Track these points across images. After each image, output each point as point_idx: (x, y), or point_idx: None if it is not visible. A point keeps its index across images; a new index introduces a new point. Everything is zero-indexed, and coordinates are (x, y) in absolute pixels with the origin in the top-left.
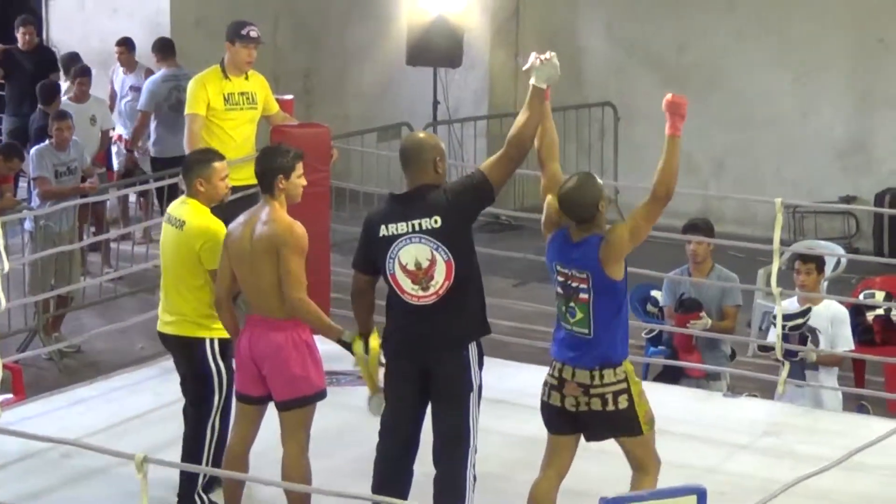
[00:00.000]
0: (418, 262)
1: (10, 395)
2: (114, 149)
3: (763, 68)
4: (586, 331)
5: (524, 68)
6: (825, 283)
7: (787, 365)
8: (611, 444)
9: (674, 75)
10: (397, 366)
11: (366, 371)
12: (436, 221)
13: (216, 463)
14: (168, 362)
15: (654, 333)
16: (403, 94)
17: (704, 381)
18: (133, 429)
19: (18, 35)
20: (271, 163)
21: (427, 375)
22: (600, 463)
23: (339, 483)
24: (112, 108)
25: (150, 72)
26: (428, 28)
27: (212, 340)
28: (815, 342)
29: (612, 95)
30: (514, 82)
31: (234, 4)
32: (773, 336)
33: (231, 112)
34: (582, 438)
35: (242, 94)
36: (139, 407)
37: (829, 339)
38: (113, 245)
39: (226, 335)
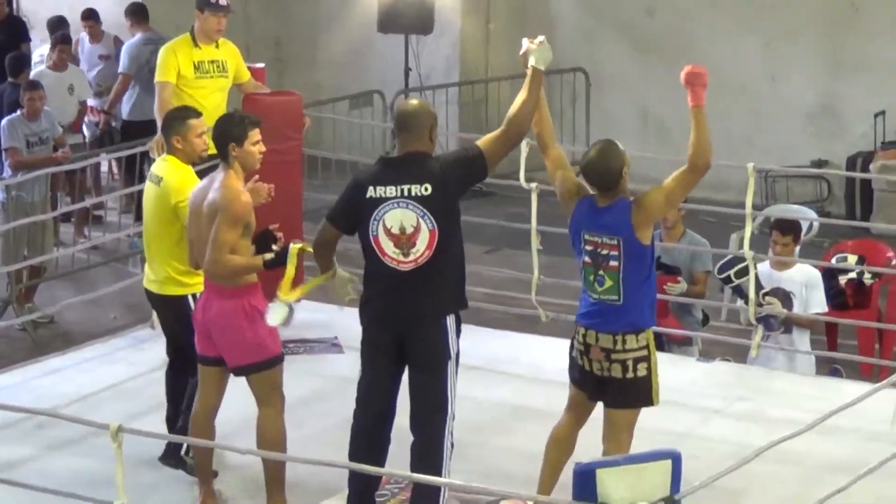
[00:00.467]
0: (403, 226)
1: None
2: (84, 119)
3: (734, 33)
4: (616, 297)
5: (520, 52)
6: (797, 248)
7: (759, 329)
8: None
9: (644, 41)
10: (374, 335)
11: (291, 269)
12: (426, 189)
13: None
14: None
15: None
16: (375, 62)
17: (677, 346)
18: (107, 399)
19: None
20: (223, 130)
21: (403, 344)
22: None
23: (313, 451)
24: None
25: (118, 40)
26: None
27: (194, 296)
28: (790, 306)
29: (583, 61)
30: (485, 49)
31: None
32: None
33: (201, 80)
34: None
35: (213, 62)
36: (113, 377)
37: (803, 302)
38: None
39: None
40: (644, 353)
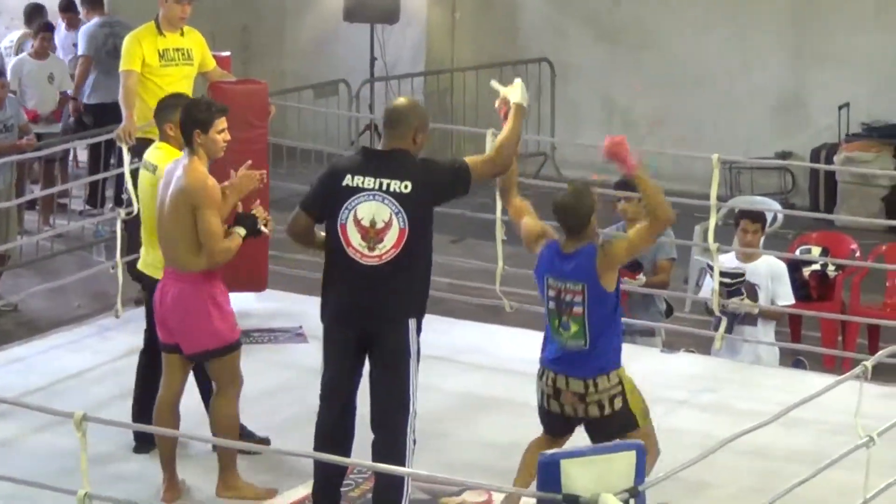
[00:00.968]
0: (374, 220)
1: None
2: (63, 110)
3: (699, 25)
4: (582, 342)
5: (502, 90)
6: (762, 239)
7: (723, 320)
8: None
9: (609, 32)
10: (335, 332)
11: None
12: (406, 186)
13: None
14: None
15: None
16: (340, 51)
17: (641, 336)
18: (71, 387)
19: None
20: (188, 116)
21: (365, 341)
22: None
23: (278, 441)
24: None
25: None
26: None
27: None
28: (755, 297)
29: (548, 52)
30: (450, 39)
31: None
32: (710, 291)
33: (167, 68)
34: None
35: (178, 50)
36: (77, 365)
37: (770, 294)
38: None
39: None
40: (618, 388)
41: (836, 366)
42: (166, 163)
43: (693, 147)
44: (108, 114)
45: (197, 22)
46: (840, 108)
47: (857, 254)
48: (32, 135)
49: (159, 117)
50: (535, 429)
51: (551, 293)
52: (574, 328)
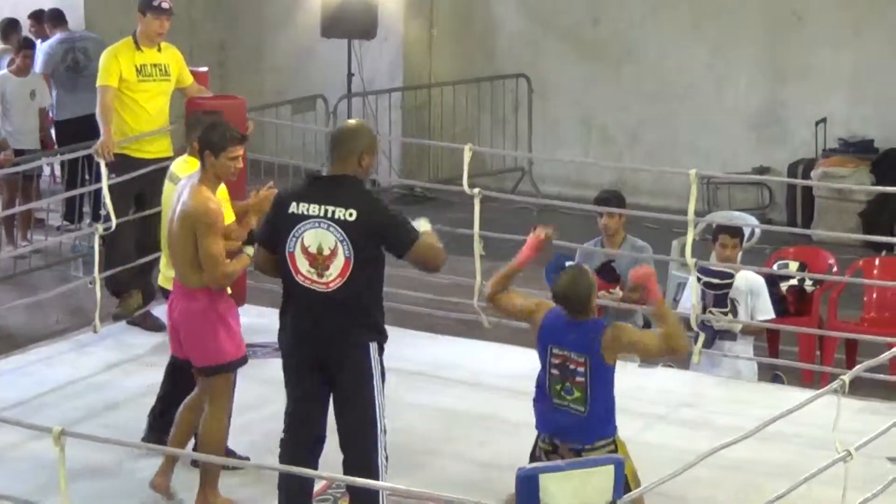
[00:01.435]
0: (321, 247)
1: None
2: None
3: (677, 41)
4: (582, 408)
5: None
6: (739, 254)
7: (701, 335)
8: None
9: (588, 48)
10: (293, 361)
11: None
12: (350, 214)
13: None
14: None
15: None
16: (318, 67)
17: None
18: (50, 402)
19: None
20: (204, 136)
21: (325, 370)
22: None
23: (256, 457)
24: None
25: None
26: (342, 0)
27: None
28: (734, 312)
29: (525, 67)
30: (428, 54)
31: None
32: (689, 305)
33: (144, 83)
34: None
35: (155, 65)
36: (56, 380)
37: (749, 309)
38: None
39: None
40: (612, 447)
41: (813, 380)
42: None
43: (671, 162)
44: (73, 130)
45: (174, 38)
46: (817, 123)
47: (835, 269)
48: (10, 150)
49: (189, 132)
50: (515, 443)
51: (555, 360)
52: (577, 393)
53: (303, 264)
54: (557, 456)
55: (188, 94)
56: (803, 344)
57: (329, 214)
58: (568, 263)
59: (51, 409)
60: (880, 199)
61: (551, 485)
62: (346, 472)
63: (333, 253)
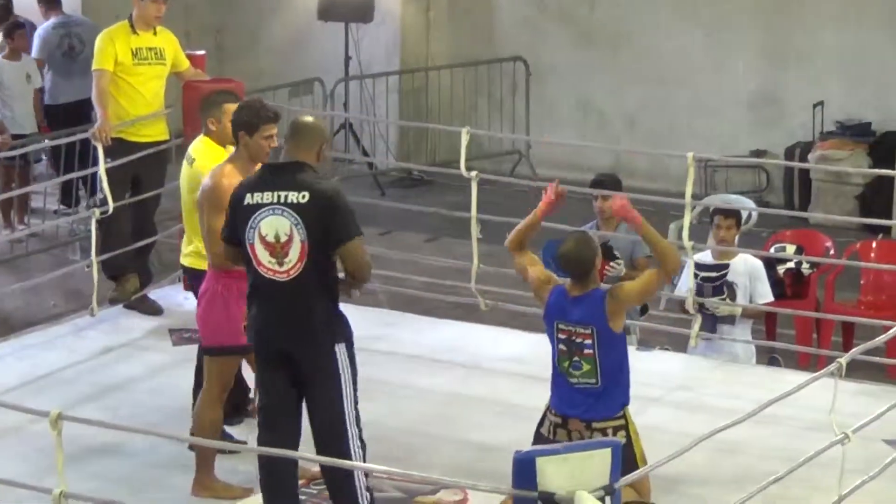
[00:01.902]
0: (277, 234)
1: None
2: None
3: (674, 23)
4: (594, 380)
5: None
6: (737, 237)
7: (699, 318)
8: None
9: (585, 31)
10: (263, 355)
11: None
12: (303, 197)
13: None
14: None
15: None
16: (315, 50)
17: None
18: (47, 386)
19: None
20: (237, 117)
21: (294, 365)
22: None
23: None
24: None
25: None
26: None
27: None
28: (733, 296)
29: (523, 50)
30: (425, 37)
31: None
32: (686, 289)
33: (139, 67)
34: None
35: (151, 49)
36: (53, 364)
37: (748, 292)
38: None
39: None
40: (622, 422)
41: (810, 363)
42: (205, 156)
43: (668, 145)
44: (68, 115)
45: (171, 21)
46: (814, 106)
47: (832, 252)
48: (8, 134)
49: (203, 112)
50: (513, 425)
51: (561, 336)
52: (586, 367)
53: (263, 255)
54: (566, 429)
55: (184, 77)
56: (800, 327)
57: (282, 199)
58: None
59: (48, 393)
60: (877, 181)
61: (548, 468)
62: (322, 469)
63: (290, 238)
